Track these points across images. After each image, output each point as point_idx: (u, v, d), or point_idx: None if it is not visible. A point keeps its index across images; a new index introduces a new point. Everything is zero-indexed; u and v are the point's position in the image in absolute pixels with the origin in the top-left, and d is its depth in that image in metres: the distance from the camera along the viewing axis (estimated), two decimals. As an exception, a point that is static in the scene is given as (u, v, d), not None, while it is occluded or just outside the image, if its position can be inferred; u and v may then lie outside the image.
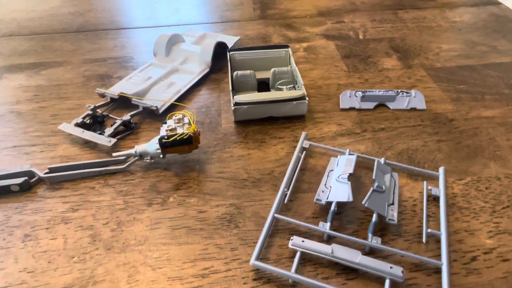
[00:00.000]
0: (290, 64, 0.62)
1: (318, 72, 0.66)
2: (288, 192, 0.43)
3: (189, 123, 0.47)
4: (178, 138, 0.45)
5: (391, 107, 0.57)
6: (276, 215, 0.40)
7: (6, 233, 0.41)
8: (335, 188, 0.42)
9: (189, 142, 0.45)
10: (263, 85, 0.61)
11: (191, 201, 0.44)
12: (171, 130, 0.46)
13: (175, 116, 0.47)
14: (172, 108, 0.58)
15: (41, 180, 0.47)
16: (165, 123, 0.47)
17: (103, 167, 0.47)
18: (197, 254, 0.39)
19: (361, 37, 0.76)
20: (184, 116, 0.47)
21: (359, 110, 0.57)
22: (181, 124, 0.47)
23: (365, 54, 0.71)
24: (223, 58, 0.69)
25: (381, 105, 0.58)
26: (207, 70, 0.65)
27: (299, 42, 0.75)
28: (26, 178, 0.45)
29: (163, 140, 0.45)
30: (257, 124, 0.55)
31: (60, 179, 0.46)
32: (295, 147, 0.51)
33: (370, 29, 0.79)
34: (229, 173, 0.47)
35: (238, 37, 0.75)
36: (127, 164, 0.47)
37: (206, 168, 0.48)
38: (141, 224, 0.42)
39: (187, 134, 0.45)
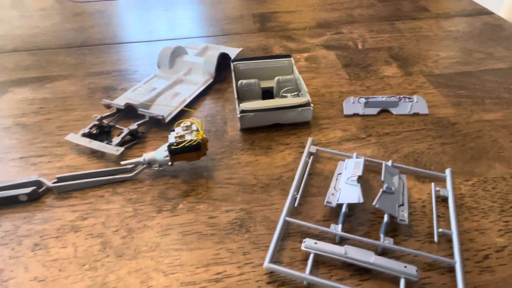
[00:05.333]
0: (293, 73, 0.63)
1: (320, 80, 0.67)
2: (298, 196, 0.43)
3: (197, 130, 0.47)
4: (187, 144, 0.45)
5: (394, 113, 0.58)
6: (287, 218, 0.40)
7: (15, 242, 0.40)
8: (345, 190, 0.42)
9: (197, 148, 0.46)
10: (267, 94, 0.61)
11: (201, 207, 0.44)
12: (180, 137, 0.46)
13: (183, 124, 0.47)
14: (178, 117, 0.58)
15: (49, 190, 0.47)
16: (173, 130, 0.48)
17: (111, 176, 0.47)
18: (210, 259, 0.38)
19: (360, 47, 0.78)
20: (192, 123, 0.48)
21: (363, 116, 0.58)
22: (189, 131, 0.47)
23: (365, 62, 0.72)
24: (226, 69, 0.70)
25: (384, 111, 0.58)
26: (211, 80, 0.66)
27: (300, 52, 0.76)
28: (35, 187, 0.45)
29: (172, 147, 0.45)
30: (263, 131, 0.55)
31: (68, 188, 0.46)
32: (302, 152, 0.51)
33: (368, 39, 0.81)
34: (238, 179, 0.47)
35: (241, 49, 0.76)
36: (135, 172, 0.47)
37: (214, 174, 0.48)
38: (152, 230, 0.41)
39: (195, 140, 0.45)
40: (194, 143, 0.45)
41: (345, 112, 0.58)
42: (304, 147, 0.52)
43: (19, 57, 0.79)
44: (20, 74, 0.72)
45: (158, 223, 0.42)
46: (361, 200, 0.39)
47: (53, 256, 0.39)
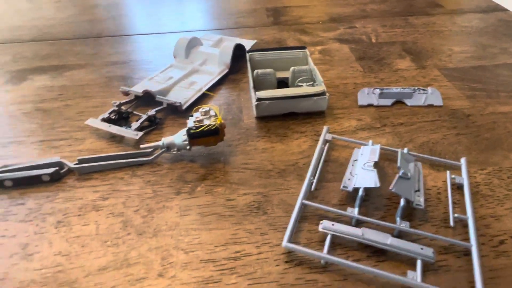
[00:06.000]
0: (308, 64, 0.64)
1: (335, 72, 0.67)
2: (315, 180, 0.44)
3: (216, 116, 0.48)
4: (205, 129, 0.46)
5: (409, 104, 0.58)
6: (304, 201, 0.41)
7: (39, 219, 0.42)
8: (362, 175, 0.42)
9: (215, 133, 0.47)
10: (281, 84, 0.62)
11: (218, 190, 0.45)
12: (198, 121, 0.47)
13: (202, 109, 0.48)
14: (194, 105, 0.59)
15: (70, 171, 0.48)
16: (192, 116, 0.49)
17: (131, 159, 0.49)
18: (228, 239, 0.39)
19: (373, 40, 0.78)
20: (210, 109, 0.49)
21: (377, 106, 0.58)
22: (207, 116, 0.48)
23: (378, 56, 0.72)
24: (241, 60, 0.71)
25: (398, 102, 0.59)
26: (226, 70, 0.67)
27: (314, 45, 0.77)
28: (57, 168, 0.46)
29: (191, 131, 0.46)
30: (278, 119, 0.56)
31: (89, 170, 0.48)
32: (317, 141, 0.52)
33: (382, 33, 0.81)
34: (254, 164, 0.48)
35: (255, 41, 0.77)
36: (154, 155, 0.49)
37: (231, 160, 0.49)
38: (171, 211, 0.42)
39: (214, 125, 0.46)
40: (212, 128, 0.46)
41: (359, 103, 0.58)
42: (319, 135, 0.53)
43: (37, 46, 0.80)
44: (38, 63, 0.74)
45: (177, 204, 0.43)
46: (378, 184, 0.40)
47: (76, 233, 0.40)
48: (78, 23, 0.92)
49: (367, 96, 0.59)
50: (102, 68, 0.71)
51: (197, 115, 0.48)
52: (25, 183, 0.46)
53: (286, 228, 0.40)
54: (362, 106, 0.58)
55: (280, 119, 0.56)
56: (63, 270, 0.37)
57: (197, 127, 0.46)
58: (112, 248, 0.38)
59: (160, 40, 0.82)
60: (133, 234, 0.40)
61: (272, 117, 0.56)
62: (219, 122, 0.47)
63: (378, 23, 0.86)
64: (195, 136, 0.46)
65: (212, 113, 0.48)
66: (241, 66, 0.70)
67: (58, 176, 0.46)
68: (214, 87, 0.64)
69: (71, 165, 0.47)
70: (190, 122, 0.47)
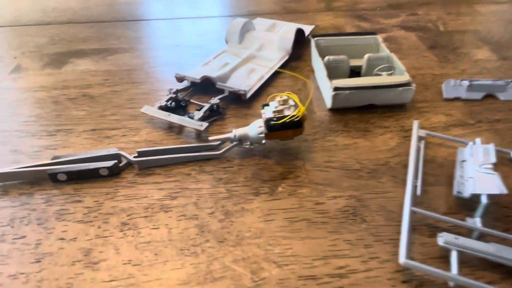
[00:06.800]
0: (381, 51, 0.57)
1: (407, 62, 0.60)
2: (419, 184, 0.38)
3: (295, 105, 0.42)
4: (287, 120, 0.40)
5: (502, 98, 0.51)
6: (413, 208, 0.35)
7: (101, 220, 0.36)
8: (479, 179, 0.36)
9: (298, 125, 0.40)
10: (352, 74, 0.56)
11: (303, 192, 0.39)
12: (278, 112, 0.41)
13: (280, 98, 0.42)
14: (257, 94, 0.53)
15: (130, 165, 0.42)
16: (267, 105, 0.43)
17: (197, 153, 0.43)
18: (326, 251, 0.33)
19: (442, 29, 0.71)
20: (289, 97, 0.42)
21: (465, 100, 0.51)
22: (287, 106, 0.42)
23: (452, 45, 0.65)
24: (299, 46, 0.64)
25: (489, 96, 0.52)
26: (287, 57, 0.61)
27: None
28: (116, 161, 0.41)
29: (272, 122, 0.40)
30: (355, 112, 0.49)
31: (150, 164, 0.42)
32: (405, 137, 0.45)
33: (449, 21, 0.74)
34: (338, 163, 0.42)
35: (313, 26, 0.70)
36: (224, 149, 0.43)
37: (310, 156, 0.43)
38: (252, 215, 0.36)
39: (298, 116, 0.40)
40: (296, 119, 0.40)
41: (445, 95, 0.52)
42: (405, 131, 0.46)
43: (75, 29, 0.75)
44: (78, 46, 0.68)
45: (257, 206, 0.37)
46: (505, 191, 0.33)
47: (145, 238, 0.34)
48: (115, 5, 0.86)
49: (453, 88, 0.52)
50: (147, 52, 0.66)
51: (274, 104, 0.42)
52: (81, 177, 0.40)
53: (393, 239, 0.34)
54: (447, 100, 0.52)
55: (357, 112, 0.50)
56: (137, 283, 0.31)
57: (278, 118, 0.40)
58: (191, 258, 0.33)
59: (203, 24, 0.76)
60: (212, 241, 0.34)
61: (347, 109, 0.50)
62: (302, 113, 0.40)
63: (442, 10, 0.79)
64: (275, 129, 0.40)
65: (291, 102, 0.42)
66: (300, 53, 0.64)
67: (117, 170, 0.41)
68: (276, 75, 0.58)
69: (131, 158, 0.41)
70: (269, 113, 0.41)
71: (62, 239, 0.34)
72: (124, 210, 0.37)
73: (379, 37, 0.58)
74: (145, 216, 0.36)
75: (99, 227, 0.35)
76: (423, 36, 0.68)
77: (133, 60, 0.63)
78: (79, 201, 0.38)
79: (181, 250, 0.33)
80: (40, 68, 0.61)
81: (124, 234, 0.35)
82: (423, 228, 0.35)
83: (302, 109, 0.40)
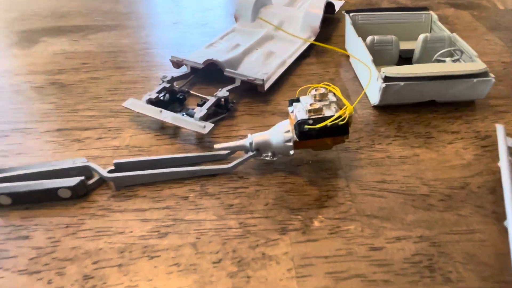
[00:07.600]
0: (442, 31, 0.45)
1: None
2: (526, 222, 0.25)
3: (338, 102, 0.30)
4: (329, 124, 0.27)
5: None
6: (528, 265, 0.23)
7: (53, 271, 0.24)
8: None
9: (344, 131, 0.28)
10: (400, 60, 0.43)
11: (350, 229, 0.27)
12: (314, 111, 0.28)
13: (315, 91, 0.30)
14: (276, 85, 0.41)
15: (103, 182, 0.30)
16: (297, 100, 0.30)
17: (198, 166, 0.31)
18: (397, 334, 0.21)
19: (501, 7, 0.58)
20: (328, 91, 0.30)
21: (553, 97, 0.39)
22: (326, 102, 0.29)
23: (518, 26, 0.52)
24: (326, 25, 0.52)
25: None
26: (313, 38, 0.48)
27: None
28: (82, 178, 0.29)
29: (307, 126, 0.27)
30: (409, 111, 0.37)
31: (132, 182, 0.30)
32: (484, 146, 0.33)
33: (506, -1, 0.61)
34: (396, 184, 0.30)
35: (343, 1, 0.57)
36: (235, 162, 0.30)
37: (356, 174, 0.31)
38: (278, 266, 0.24)
39: (344, 118, 0.28)
40: (341, 123, 0.28)
41: (526, 90, 0.39)
42: (482, 138, 0.34)
43: (55, 2, 0.62)
44: (55, 22, 0.56)
45: (285, 252, 0.25)
46: None
47: (116, 303, 0.23)
48: (105, -23, 0.73)
49: (537, 80, 0.40)
50: (139, 30, 0.53)
51: (307, 100, 0.30)
52: (32, 200, 0.28)
53: (499, 315, 0.22)
54: (530, 96, 0.39)
55: (412, 110, 0.37)
56: None
57: (315, 121, 0.28)
58: None
59: (210, -1, 0.63)
60: (218, 311, 0.22)
61: (398, 107, 0.38)
62: (349, 113, 0.28)
63: (496, -14, 0.66)
64: (311, 136, 0.28)
65: (331, 97, 0.30)
66: (327, 33, 0.51)
67: (84, 190, 0.29)
68: (300, 60, 0.45)
69: (104, 173, 0.29)
70: (301, 112, 0.29)
71: (-11, 303, 0.23)
72: (89, 253, 0.25)
73: (433, 14, 0.46)
74: (119, 265, 0.25)
75: (49, 283, 0.24)
76: (480, 16, 0.55)
77: (120, 40, 0.51)
78: (26, 238, 0.26)
79: (171, 326, 0.22)
80: (5, 48, 0.49)
81: (86, 295, 0.23)
82: (540, 295, 0.23)
83: (349, 108, 0.28)
